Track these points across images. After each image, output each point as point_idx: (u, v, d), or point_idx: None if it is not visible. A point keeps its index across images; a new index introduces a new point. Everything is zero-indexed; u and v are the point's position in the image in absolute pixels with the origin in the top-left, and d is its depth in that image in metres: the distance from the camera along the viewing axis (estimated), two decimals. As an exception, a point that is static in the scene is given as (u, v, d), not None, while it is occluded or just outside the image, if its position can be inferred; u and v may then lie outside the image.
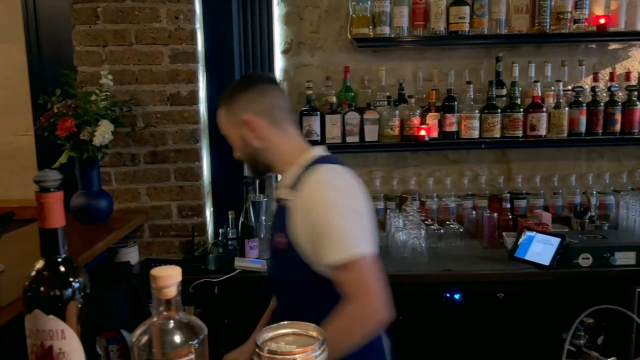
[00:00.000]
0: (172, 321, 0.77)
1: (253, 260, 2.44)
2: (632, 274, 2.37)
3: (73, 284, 0.76)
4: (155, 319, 0.77)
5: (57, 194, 0.75)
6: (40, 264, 0.76)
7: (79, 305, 0.77)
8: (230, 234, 2.55)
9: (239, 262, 2.41)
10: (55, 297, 0.75)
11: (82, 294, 0.78)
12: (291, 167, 1.54)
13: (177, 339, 0.76)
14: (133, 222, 2.46)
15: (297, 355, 0.76)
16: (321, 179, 1.46)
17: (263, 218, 2.62)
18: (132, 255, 2.48)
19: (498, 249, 2.63)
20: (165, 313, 0.77)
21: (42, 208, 0.74)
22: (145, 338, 0.76)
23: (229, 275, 2.35)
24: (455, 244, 2.68)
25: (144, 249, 2.58)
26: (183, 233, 2.61)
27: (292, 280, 1.53)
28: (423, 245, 2.52)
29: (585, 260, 2.40)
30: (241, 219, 2.49)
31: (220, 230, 2.60)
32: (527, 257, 2.44)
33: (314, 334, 0.83)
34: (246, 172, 2.64)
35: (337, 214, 1.40)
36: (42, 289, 0.74)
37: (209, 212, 2.70)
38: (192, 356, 0.75)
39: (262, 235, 2.59)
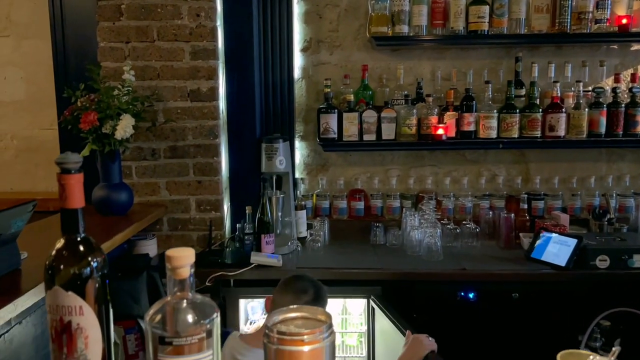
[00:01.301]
0: (185, 301, 0.80)
1: (269, 255, 2.47)
2: (650, 277, 2.35)
3: (91, 263, 0.79)
4: (169, 299, 0.79)
5: (77, 175, 0.78)
6: (60, 243, 0.80)
7: (97, 285, 0.80)
8: (246, 229, 2.58)
9: (255, 257, 2.44)
10: (74, 275, 0.78)
11: (100, 273, 0.81)
12: None
13: (190, 318, 0.79)
14: (152, 215, 2.50)
15: (305, 337, 0.78)
16: None
17: (279, 214, 2.65)
18: (150, 247, 2.52)
19: (514, 250, 2.62)
20: (178, 293, 0.80)
21: (63, 189, 0.78)
22: (159, 317, 0.79)
23: (245, 269, 2.39)
24: (471, 244, 2.68)
25: (162, 242, 2.62)
26: (201, 227, 2.65)
27: None
28: (438, 244, 2.53)
29: (602, 262, 2.37)
30: (258, 215, 2.52)
31: (237, 225, 2.63)
32: (544, 258, 2.43)
33: (322, 317, 0.85)
34: (264, 168, 2.68)
35: None
36: (61, 266, 0.78)
37: (226, 207, 2.74)
38: (204, 334, 0.77)
39: (278, 231, 2.61)
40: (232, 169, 2.76)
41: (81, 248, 0.80)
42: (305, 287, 1.86)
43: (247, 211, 2.59)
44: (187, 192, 2.63)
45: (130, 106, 2.32)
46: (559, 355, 0.86)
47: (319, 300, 1.85)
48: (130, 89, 2.36)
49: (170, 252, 0.78)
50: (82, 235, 0.80)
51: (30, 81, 3.05)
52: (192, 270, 0.80)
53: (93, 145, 2.30)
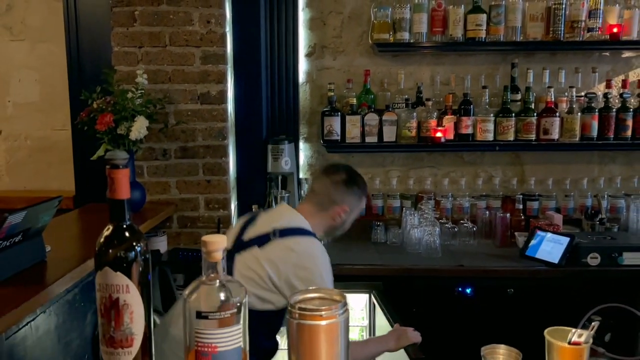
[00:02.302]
0: (217, 281, 0.91)
1: (275, 251, 2.57)
2: (639, 274, 2.46)
3: (136, 247, 0.90)
4: (204, 279, 0.91)
5: (124, 170, 0.89)
6: (108, 230, 0.90)
7: (140, 267, 0.91)
8: (253, 226, 2.68)
9: (262, 253, 2.54)
10: (121, 258, 0.89)
11: (143, 257, 0.92)
12: None
13: (222, 296, 0.90)
14: (163, 213, 2.61)
15: (323, 312, 0.90)
16: None
17: (285, 212, 2.75)
18: (161, 244, 2.63)
19: (510, 248, 2.73)
20: (212, 275, 0.91)
21: (112, 182, 0.88)
22: (195, 295, 0.90)
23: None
24: (468, 242, 2.79)
25: (172, 239, 2.73)
26: (209, 225, 2.75)
27: None
28: (437, 242, 2.63)
29: (593, 260, 2.48)
30: (264, 213, 2.62)
31: (244, 223, 2.74)
32: (538, 256, 2.54)
33: (337, 297, 0.96)
34: (269, 168, 2.79)
35: None
36: (110, 250, 0.89)
37: (234, 206, 2.85)
38: (235, 310, 0.88)
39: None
40: (240, 169, 2.87)
41: (127, 234, 0.90)
42: (338, 169, 2.01)
43: (253, 210, 2.69)
44: (196, 191, 2.74)
45: (144, 108, 2.42)
46: (545, 331, 0.97)
47: (349, 184, 1.95)
48: (143, 92, 2.46)
49: (205, 238, 0.89)
50: (128, 222, 0.91)
51: (44, 83, 3.15)
52: (225, 254, 0.91)
53: (108, 146, 2.39)
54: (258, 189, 2.81)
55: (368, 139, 2.89)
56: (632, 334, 2.44)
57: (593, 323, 0.97)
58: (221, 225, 2.73)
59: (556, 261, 2.48)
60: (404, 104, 2.90)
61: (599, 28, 2.77)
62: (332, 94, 2.90)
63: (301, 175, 3.07)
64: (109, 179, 0.89)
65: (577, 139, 2.84)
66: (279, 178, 2.81)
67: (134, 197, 2.47)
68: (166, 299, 2.39)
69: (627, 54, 3.01)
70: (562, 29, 2.77)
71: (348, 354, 0.93)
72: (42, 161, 3.20)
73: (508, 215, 2.80)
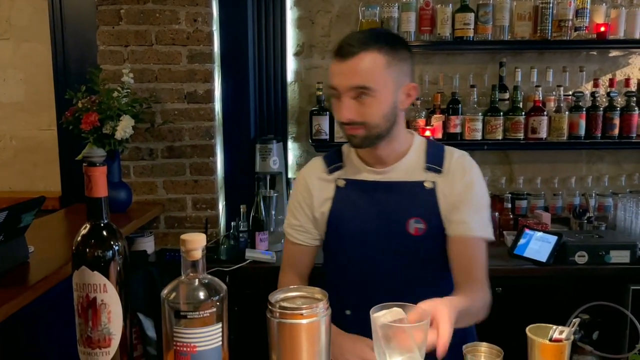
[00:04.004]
0: (197, 280, 0.89)
1: (263, 251, 2.57)
2: (626, 272, 2.46)
3: (114, 246, 0.89)
4: (183, 278, 0.89)
5: (101, 168, 0.87)
6: (86, 228, 0.89)
7: (118, 267, 0.90)
8: (241, 226, 2.66)
9: (250, 253, 2.54)
10: (99, 257, 0.87)
11: (121, 256, 0.90)
12: (407, 148, 1.50)
13: (201, 295, 0.88)
14: (150, 213, 2.59)
15: (303, 311, 0.89)
16: (471, 161, 1.53)
17: (273, 212, 2.74)
18: (148, 244, 2.60)
19: (498, 247, 2.72)
20: (191, 274, 0.90)
21: (89, 180, 0.87)
22: (174, 294, 0.89)
23: (239, 265, 2.48)
24: (457, 241, 2.78)
25: (159, 240, 2.71)
26: (197, 225, 2.73)
27: (419, 268, 1.48)
28: (426, 240, 2.62)
29: (581, 258, 2.49)
30: (252, 213, 2.61)
31: (232, 223, 2.72)
32: (526, 254, 2.54)
33: (319, 296, 0.95)
34: (258, 168, 2.77)
35: (486, 198, 1.52)
36: (87, 249, 0.87)
37: (221, 206, 2.83)
38: (214, 309, 0.87)
39: (271, 229, 2.71)
40: (227, 168, 2.85)
41: (104, 233, 0.89)
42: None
43: (241, 210, 2.68)
44: (183, 191, 2.72)
45: (130, 107, 2.40)
46: (527, 329, 0.97)
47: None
48: (129, 91, 2.44)
49: (184, 237, 0.88)
50: (105, 221, 0.89)
51: (30, 83, 3.12)
52: (204, 253, 0.90)
53: (93, 145, 2.37)
54: (246, 188, 2.79)
55: (357, 139, 2.87)
56: (620, 331, 2.46)
57: (574, 320, 0.96)
58: (209, 226, 2.71)
59: (544, 260, 2.48)
60: (393, 103, 2.89)
61: (586, 27, 2.78)
62: (321, 93, 2.89)
63: (290, 175, 3.06)
64: (85, 177, 0.87)
65: (565, 137, 2.85)
66: (268, 178, 2.80)
67: (120, 197, 2.46)
68: (153, 304, 2.37)
69: (614, 53, 3.02)
70: (550, 28, 2.78)
71: (329, 352, 0.92)
72: (28, 161, 3.16)
73: (497, 214, 2.80)
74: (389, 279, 1.46)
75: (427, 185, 1.45)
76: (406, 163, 1.48)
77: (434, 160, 1.48)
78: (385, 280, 1.46)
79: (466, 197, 1.45)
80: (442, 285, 1.44)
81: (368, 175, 1.51)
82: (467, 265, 1.43)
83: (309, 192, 1.57)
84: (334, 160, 1.58)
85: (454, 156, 1.51)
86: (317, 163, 1.63)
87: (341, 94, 1.40)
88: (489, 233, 1.47)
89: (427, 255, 1.47)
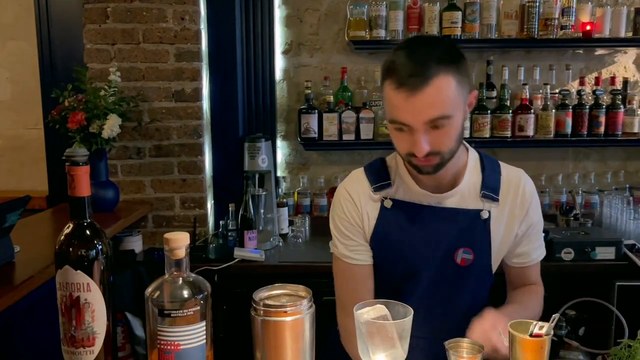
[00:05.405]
0: (180, 279, 0.89)
1: (252, 250, 2.56)
2: (611, 268, 2.48)
3: (97, 245, 0.89)
4: (167, 277, 0.89)
5: (84, 167, 0.87)
6: (69, 227, 0.89)
7: (102, 266, 0.90)
8: (230, 225, 2.66)
9: (238, 252, 2.53)
10: (82, 256, 0.87)
11: (104, 255, 0.90)
12: (462, 167, 1.40)
13: (185, 293, 0.88)
14: (138, 212, 2.58)
15: (287, 309, 0.89)
16: (529, 185, 1.47)
17: (262, 211, 2.74)
18: (136, 244, 2.59)
19: (486, 244, 2.74)
20: (175, 272, 0.90)
21: (72, 179, 0.87)
22: (158, 293, 0.89)
23: (228, 264, 2.47)
24: (445, 239, 2.80)
25: (147, 239, 2.70)
26: (185, 224, 2.73)
27: (458, 296, 1.45)
28: (414, 238, 2.63)
29: (567, 255, 2.51)
30: (241, 212, 2.61)
31: (221, 222, 2.72)
32: (513, 251, 2.56)
33: (303, 294, 0.95)
34: (246, 166, 2.76)
35: (542, 221, 1.53)
36: (71, 248, 0.87)
37: (210, 205, 2.83)
38: (198, 307, 0.87)
39: (260, 228, 2.71)
40: (216, 167, 2.85)
41: (88, 232, 0.89)
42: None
43: (230, 208, 2.67)
44: (171, 190, 2.71)
45: (117, 106, 2.39)
46: (509, 324, 0.98)
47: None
48: (117, 89, 2.43)
49: (168, 235, 0.88)
50: (89, 220, 0.89)
51: (16, 81, 3.10)
52: (187, 251, 0.90)
53: (80, 144, 2.37)
54: (235, 187, 2.78)
55: (345, 137, 2.89)
56: (606, 327, 2.48)
57: (554, 315, 0.98)
58: (197, 225, 2.71)
59: (531, 256, 2.50)
60: (381, 102, 2.90)
61: (572, 26, 2.81)
62: (309, 91, 2.89)
63: (279, 174, 3.06)
64: (68, 176, 0.87)
65: (552, 135, 2.87)
66: (256, 176, 2.79)
67: (108, 196, 2.45)
68: (141, 303, 2.37)
69: (599, 52, 3.05)
70: (536, 26, 2.80)
71: (314, 350, 0.92)
72: (15, 161, 3.14)
73: (484, 211, 2.81)
74: (426, 304, 1.35)
75: (483, 215, 1.39)
76: (462, 188, 1.39)
77: (491, 186, 1.40)
78: (422, 305, 1.26)
79: (527, 232, 1.45)
80: (480, 310, 1.32)
81: (421, 198, 1.40)
82: (524, 281, 1.57)
83: (357, 210, 1.44)
84: (380, 178, 1.46)
85: (512, 182, 1.44)
86: (361, 178, 1.49)
87: (413, 129, 1.25)
88: (544, 251, 1.56)
89: (470, 285, 1.43)
